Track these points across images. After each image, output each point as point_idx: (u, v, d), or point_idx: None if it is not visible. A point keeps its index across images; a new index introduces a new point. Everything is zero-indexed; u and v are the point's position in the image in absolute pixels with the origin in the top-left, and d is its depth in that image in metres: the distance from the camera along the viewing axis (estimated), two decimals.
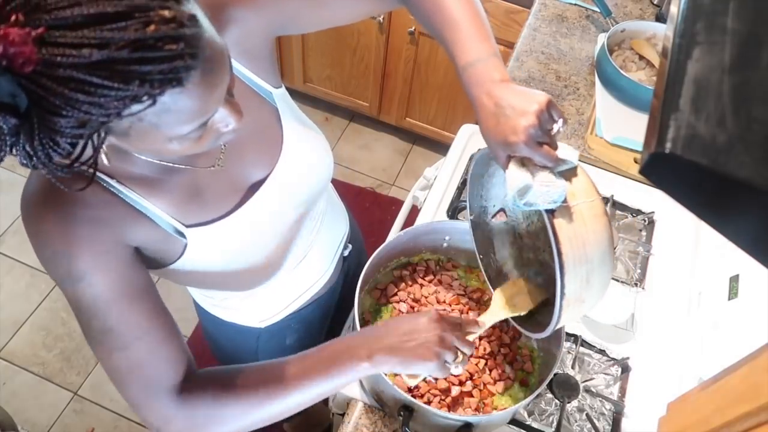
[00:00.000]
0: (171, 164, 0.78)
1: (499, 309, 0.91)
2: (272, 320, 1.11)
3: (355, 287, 1.00)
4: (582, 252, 0.72)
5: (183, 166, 0.79)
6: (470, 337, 0.86)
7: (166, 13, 0.52)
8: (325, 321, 1.26)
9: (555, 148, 0.70)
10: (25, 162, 0.56)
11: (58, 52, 0.49)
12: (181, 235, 0.81)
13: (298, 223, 0.97)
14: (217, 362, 1.30)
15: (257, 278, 0.94)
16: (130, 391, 0.76)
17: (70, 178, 0.60)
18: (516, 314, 0.91)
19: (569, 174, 0.72)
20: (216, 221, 0.84)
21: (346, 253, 1.19)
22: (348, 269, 1.23)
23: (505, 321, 1.11)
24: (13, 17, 0.48)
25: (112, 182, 0.74)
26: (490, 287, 0.96)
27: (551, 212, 0.71)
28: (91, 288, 0.71)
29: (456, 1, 0.78)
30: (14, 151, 0.54)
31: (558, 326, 0.78)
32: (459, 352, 0.82)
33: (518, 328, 0.91)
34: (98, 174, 0.73)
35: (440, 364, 0.80)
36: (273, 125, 0.90)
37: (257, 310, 1.09)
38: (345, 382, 0.80)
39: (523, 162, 0.70)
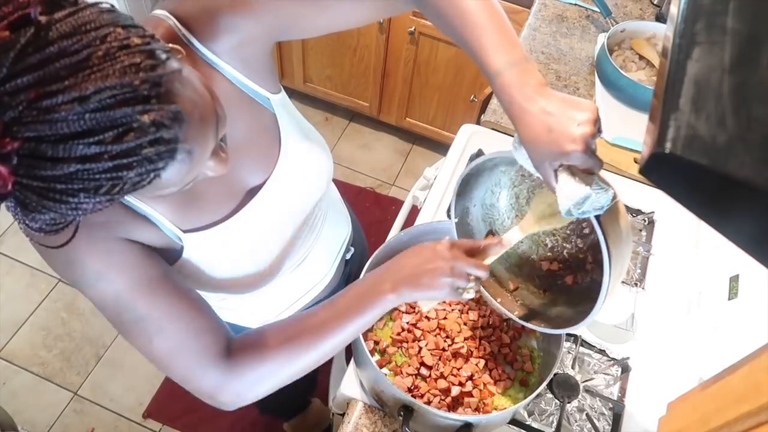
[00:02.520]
0: None
1: (530, 225, 0.86)
2: (273, 321, 1.11)
3: None
4: (620, 251, 0.74)
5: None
6: (488, 260, 0.86)
7: (146, 118, 0.51)
8: None
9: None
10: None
11: (36, 164, 0.49)
12: (178, 239, 0.81)
13: (296, 227, 0.97)
14: None
15: (255, 282, 0.94)
16: (178, 370, 0.77)
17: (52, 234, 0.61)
18: (551, 227, 0.87)
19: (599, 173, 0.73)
20: (212, 226, 0.84)
21: (348, 256, 1.19)
22: (350, 272, 1.23)
23: (506, 321, 1.11)
24: None
25: None
26: (481, 289, 0.96)
27: (598, 217, 0.71)
28: (111, 286, 0.72)
29: (478, 4, 0.76)
30: None
31: (596, 313, 0.78)
32: (473, 277, 0.83)
33: (536, 328, 0.90)
34: None
35: (452, 291, 0.82)
36: (270, 131, 0.89)
37: (257, 312, 1.09)
38: (374, 318, 0.82)
39: (572, 171, 0.69)
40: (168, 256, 0.82)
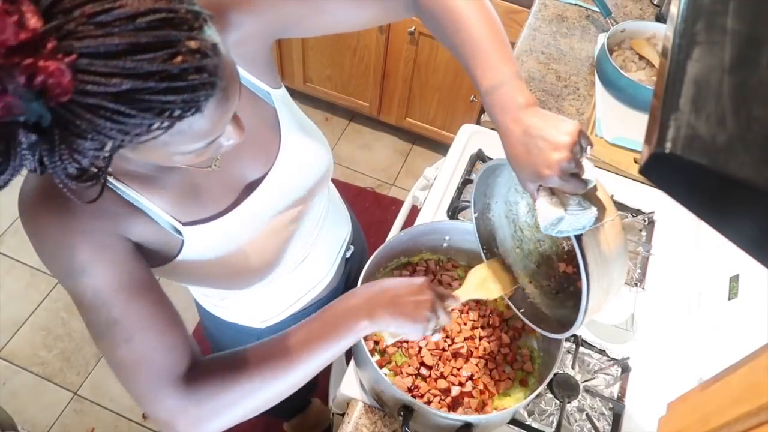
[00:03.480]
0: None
1: (472, 289, 0.94)
2: (273, 321, 1.11)
3: (354, 286, 1.00)
4: (605, 269, 0.74)
5: (179, 165, 0.79)
6: (448, 308, 0.88)
7: (192, 44, 0.53)
8: None
9: (583, 173, 0.69)
10: (33, 169, 0.56)
11: (89, 80, 0.49)
12: (178, 232, 0.81)
13: (296, 223, 0.97)
14: None
15: (254, 278, 0.94)
16: (137, 384, 0.75)
17: (79, 188, 0.61)
18: (486, 297, 0.94)
19: (590, 192, 0.72)
20: (212, 219, 0.84)
21: (348, 255, 1.19)
22: (350, 271, 1.23)
23: (506, 321, 1.11)
24: (50, 44, 0.48)
25: (109, 178, 0.74)
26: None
27: (579, 236, 0.71)
28: (94, 280, 0.71)
29: (476, 17, 0.76)
30: (24, 162, 0.54)
31: (576, 329, 0.80)
32: (439, 320, 0.85)
33: (533, 326, 0.91)
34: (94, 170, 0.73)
35: (425, 328, 0.82)
36: (271, 126, 0.90)
37: (258, 310, 1.09)
38: (348, 344, 0.80)
39: (553, 191, 0.70)
40: (165, 252, 0.82)
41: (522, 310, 0.94)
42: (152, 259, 0.82)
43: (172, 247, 0.82)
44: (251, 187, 0.88)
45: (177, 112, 0.54)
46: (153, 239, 0.79)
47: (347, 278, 1.23)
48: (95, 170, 0.58)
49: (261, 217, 0.90)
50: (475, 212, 0.95)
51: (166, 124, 0.54)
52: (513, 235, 0.98)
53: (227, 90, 0.59)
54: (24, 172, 0.67)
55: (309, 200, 0.97)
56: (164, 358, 0.75)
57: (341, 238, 1.15)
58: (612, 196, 1.38)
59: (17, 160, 0.52)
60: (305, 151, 0.94)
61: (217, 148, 0.69)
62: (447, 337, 1.07)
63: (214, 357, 0.81)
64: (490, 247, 0.98)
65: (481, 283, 0.95)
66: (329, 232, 1.09)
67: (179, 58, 0.52)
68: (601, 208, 0.72)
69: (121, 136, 0.53)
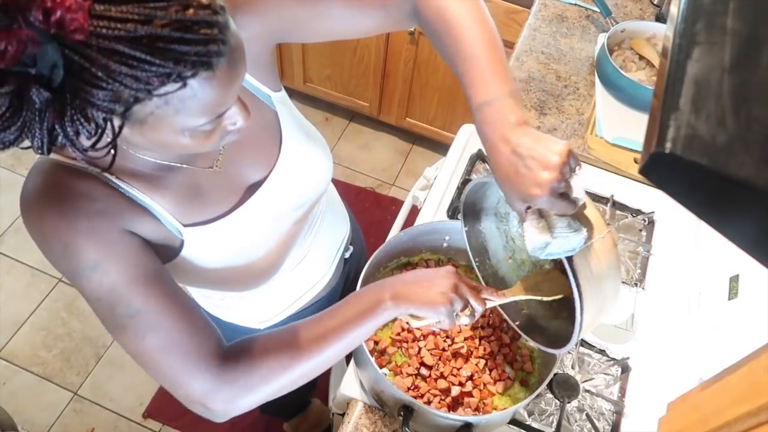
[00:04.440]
0: (169, 163, 0.78)
1: (523, 290, 0.90)
2: (272, 321, 1.11)
3: (354, 287, 1.00)
4: (598, 287, 0.73)
5: (181, 166, 0.80)
6: (487, 304, 0.86)
7: None
8: None
9: (572, 193, 0.68)
10: (41, 146, 0.55)
11: (105, 24, 0.50)
12: (178, 233, 0.81)
13: (296, 225, 0.97)
14: None
15: (254, 279, 0.94)
16: (169, 371, 0.75)
17: (83, 170, 0.60)
18: (540, 298, 0.90)
19: (579, 210, 0.71)
20: (213, 221, 0.84)
21: (347, 255, 1.19)
22: (349, 271, 1.23)
23: (506, 321, 1.11)
24: None
25: (112, 178, 0.74)
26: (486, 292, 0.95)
27: (569, 257, 0.70)
28: (108, 276, 0.71)
29: (475, 33, 0.76)
30: (35, 133, 0.54)
31: (570, 347, 0.80)
32: (469, 307, 0.83)
33: (529, 339, 0.91)
34: (97, 170, 0.73)
35: (450, 311, 0.80)
36: (272, 128, 0.90)
37: (257, 311, 1.09)
38: (373, 327, 0.80)
39: (541, 212, 0.69)
40: (167, 251, 0.82)
41: (517, 323, 0.93)
42: (159, 254, 0.82)
43: (173, 247, 0.82)
44: (252, 189, 0.88)
45: (189, 65, 0.54)
46: (156, 237, 0.79)
47: (347, 278, 1.23)
48: (108, 139, 0.58)
49: (261, 219, 0.90)
50: (465, 226, 0.94)
51: (178, 79, 0.55)
52: (505, 245, 0.98)
53: (236, 59, 0.60)
54: (24, 171, 0.67)
55: (309, 203, 0.98)
56: (192, 340, 0.75)
57: (340, 238, 1.15)
58: (612, 195, 1.38)
59: (28, 117, 0.52)
60: (306, 154, 0.94)
61: (223, 134, 0.69)
62: (447, 337, 1.07)
63: (242, 339, 0.81)
64: (482, 259, 0.98)
65: (535, 285, 0.92)
66: (328, 233, 1.09)
67: (191, 11, 0.53)
68: (590, 227, 0.71)
69: (135, 84, 0.53)
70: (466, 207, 0.93)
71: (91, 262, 0.70)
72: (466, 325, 0.85)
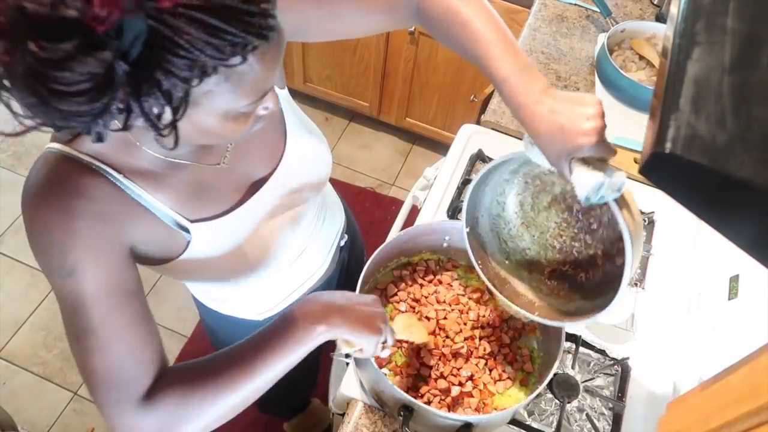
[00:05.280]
0: (176, 160, 0.78)
1: (400, 331, 0.99)
2: (272, 312, 1.12)
3: (351, 276, 1.02)
4: (638, 230, 0.77)
5: (188, 162, 0.80)
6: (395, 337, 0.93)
7: None
8: None
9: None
10: (123, 123, 0.56)
11: None
12: (185, 230, 0.81)
13: (298, 219, 0.98)
14: None
15: (257, 272, 0.95)
16: (101, 393, 0.74)
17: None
18: (413, 340, 1.01)
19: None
20: (219, 217, 0.85)
21: (342, 243, 1.20)
22: (344, 259, 1.25)
23: (506, 321, 1.11)
24: None
25: (119, 176, 0.74)
26: (495, 292, 0.96)
27: (616, 201, 0.74)
28: (80, 284, 0.70)
29: (480, 18, 0.80)
30: (114, 110, 0.54)
31: (621, 297, 0.80)
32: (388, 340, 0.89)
33: (558, 324, 0.92)
34: (104, 167, 0.73)
35: (377, 341, 0.85)
36: (277, 125, 0.91)
37: (257, 302, 1.10)
38: (306, 350, 0.81)
39: (586, 161, 0.72)
40: (168, 251, 0.82)
41: (536, 314, 0.93)
42: (156, 258, 0.82)
43: (177, 245, 0.82)
44: (256, 185, 0.89)
45: (254, 36, 0.56)
46: (157, 238, 0.79)
47: (342, 265, 1.24)
48: (171, 117, 0.58)
49: (264, 214, 0.91)
50: (466, 227, 0.95)
51: (246, 49, 0.56)
52: (500, 248, 0.98)
53: (281, 38, 0.63)
54: (27, 171, 0.67)
55: (311, 198, 0.99)
56: (132, 373, 0.74)
57: (336, 228, 1.17)
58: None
59: (110, 92, 0.53)
60: (308, 151, 0.95)
61: (255, 120, 0.71)
62: (447, 337, 1.07)
63: (176, 368, 0.80)
64: (484, 262, 0.98)
65: (407, 328, 1.01)
66: (326, 224, 1.11)
67: None
68: (623, 171, 0.74)
69: (212, 52, 0.54)
70: (468, 208, 0.93)
71: (70, 267, 0.70)
72: (383, 357, 0.94)
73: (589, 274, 0.94)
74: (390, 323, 0.92)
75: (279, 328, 0.81)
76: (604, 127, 0.70)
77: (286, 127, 0.92)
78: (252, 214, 0.89)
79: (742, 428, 0.52)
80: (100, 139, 0.58)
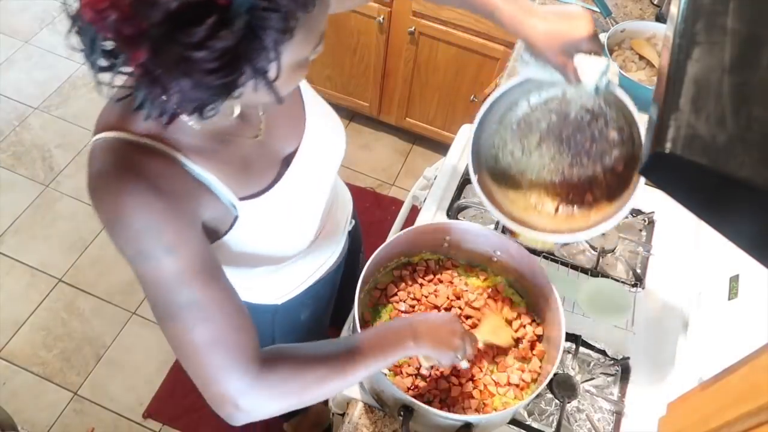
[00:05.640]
0: (221, 134, 0.81)
1: (486, 334, 1.05)
2: (289, 296, 1.14)
3: (356, 262, 1.04)
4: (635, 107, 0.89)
5: (231, 137, 0.83)
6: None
7: None
8: (332, 296, 1.31)
9: None
10: (265, 81, 0.61)
11: None
12: (233, 207, 0.83)
13: (322, 196, 1.02)
14: None
15: (288, 251, 0.98)
16: (209, 365, 0.74)
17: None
18: (498, 343, 1.06)
19: None
20: (262, 194, 0.87)
21: (350, 227, 1.23)
22: (350, 244, 1.27)
23: (509, 322, 1.11)
24: None
25: (177, 155, 0.75)
26: (516, 227, 1.00)
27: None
28: (179, 261, 0.71)
29: None
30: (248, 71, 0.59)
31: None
32: (468, 352, 0.95)
33: (594, 233, 0.94)
34: (162, 146, 0.74)
35: (454, 357, 0.93)
36: (297, 101, 0.95)
37: (278, 286, 1.11)
38: (395, 359, 0.88)
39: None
40: (217, 231, 0.84)
41: (561, 235, 0.98)
42: (212, 233, 0.84)
43: (226, 223, 0.84)
44: (287, 160, 0.91)
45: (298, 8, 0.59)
46: (214, 216, 0.81)
47: (348, 250, 1.26)
48: (274, 75, 0.62)
49: (299, 190, 0.94)
50: (475, 174, 0.99)
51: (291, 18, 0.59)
52: (506, 196, 1.02)
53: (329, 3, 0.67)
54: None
55: (331, 174, 1.03)
56: (238, 338, 0.75)
57: (347, 211, 1.20)
58: None
59: (245, 62, 0.58)
60: (326, 124, 1.00)
61: (305, 68, 0.73)
62: None
63: (279, 347, 0.83)
64: (498, 207, 1.00)
65: (494, 331, 1.07)
66: (339, 206, 1.15)
67: None
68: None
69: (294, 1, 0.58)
70: (473, 161, 0.99)
71: (167, 245, 0.70)
72: (463, 367, 0.99)
73: (594, 192, 0.98)
74: (477, 328, 1.02)
75: (379, 336, 0.88)
76: (592, 21, 0.83)
77: (304, 103, 0.95)
78: (287, 190, 0.90)
79: (742, 428, 0.52)
80: (212, 114, 0.62)
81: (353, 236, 1.29)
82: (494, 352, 1.07)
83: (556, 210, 1.01)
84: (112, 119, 0.74)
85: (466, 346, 0.94)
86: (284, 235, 0.95)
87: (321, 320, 1.33)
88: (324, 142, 0.98)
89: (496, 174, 1.02)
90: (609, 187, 0.97)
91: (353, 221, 1.25)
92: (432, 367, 1.02)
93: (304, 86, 0.97)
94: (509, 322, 1.11)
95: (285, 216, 0.92)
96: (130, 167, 0.71)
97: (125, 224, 0.70)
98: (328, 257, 1.14)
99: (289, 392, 0.79)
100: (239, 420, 0.77)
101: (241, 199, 0.83)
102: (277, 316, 1.16)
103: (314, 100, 0.98)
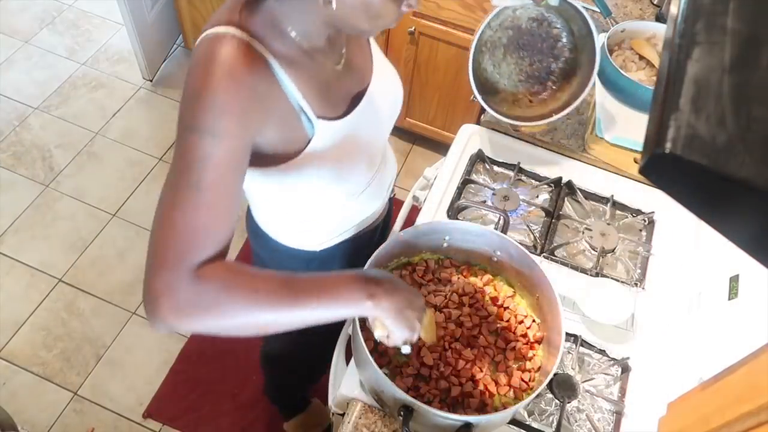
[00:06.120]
0: (311, 51, 0.87)
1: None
2: (329, 244, 1.16)
3: (384, 238, 1.10)
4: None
5: (319, 56, 0.89)
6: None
7: None
8: (364, 258, 1.31)
9: None
10: None
11: None
12: (310, 125, 0.88)
13: (381, 140, 1.08)
14: None
15: (345, 186, 1.02)
16: (166, 246, 0.75)
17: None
18: (421, 337, 0.98)
19: None
20: (337, 119, 0.92)
21: (391, 194, 1.27)
22: (386, 214, 1.30)
23: (506, 322, 1.11)
24: None
25: (271, 59, 0.81)
26: (516, 122, 1.37)
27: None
28: (215, 148, 0.75)
29: None
30: None
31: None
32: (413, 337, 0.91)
33: (573, 104, 1.35)
34: (263, 50, 0.80)
35: (407, 337, 0.89)
36: (367, 50, 1.04)
37: (322, 231, 1.14)
38: (345, 314, 0.84)
39: None
40: (293, 147, 0.88)
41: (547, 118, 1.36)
42: (277, 155, 0.88)
43: (299, 141, 0.89)
44: (359, 96, 0.98)
45: None
46: (287, 128, 0.86)
47: (384, 220, 1.29)
48: None
49: (363, 127, 0.99)
50: (479, 95, 1.31)
51: None
52: (497, 103, 1.37)
53: None
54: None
55: (390, 121, 1.09)
56: (204, 241, 0.77)
57: (392, 174, 1.23)
58: (612, 195, 1.38)
59: None
60: (387, 70, 1.08)
61: (400, 12, 0.81)
62: (444, 337, 1.07)
63: (231, 263, 0.81)
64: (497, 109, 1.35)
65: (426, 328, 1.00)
66: (387, 166, 1.18)
67: None
68: None
69: None
70: (474, 83, 1.31)
71: (216, 129, 0.75)
72: (402, 353, 0.96)
73: (552, 78, 1.39)
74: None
75: (334, 280, 0.83)
76: None
77: (371, 46, 1.04)
78: (359, 121, 0.96)
79: (742, 428, 0.52)
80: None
81: (387, 211, 1.32)
82: (494, 352, 1.07)
83: (530, 101, 1.40)
84: (222, 18, 0.80)
85: (418, 331, 0.90)
86: (347, 169, 0.98)
87: None
88: (387, 90, 1.06)
89: (485, 89, 1.37)
90: (562, 70, 1.38)
91: (394, 190, 1.29)
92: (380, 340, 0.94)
93: (372, 41, 1.05)
94: (511, 324, 1.11)
95: (352, 148, 0.97)
96: (230, 55, 0.77)
97: (201, 96, 0.75)
98: (370, 212, 1.18)
99: (214, 308, 0.76)
100: (158, 327, 0.75)
101: (319, 117, 0.88)
102: (311, 265, 1.18)
103: (379, 53, 1.06)
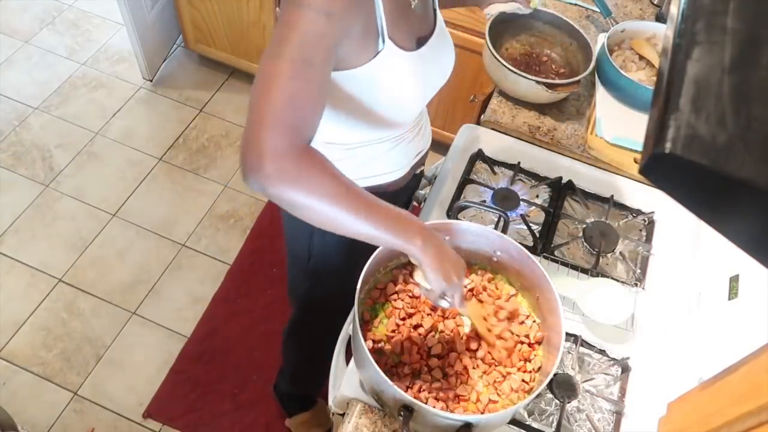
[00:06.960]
0: None
1: (468, 312, 1.04)
2: (366, 184, 1.18)
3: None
4: None
5: None
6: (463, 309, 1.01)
7: None
8: None
9: None
10: None
11: None
12: (381, 42, 0.93)
13: (429, 94, 1.11)
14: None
15: (389, 123, 1.07)
16: (273, 113, 0.77)
17: None
18: (468, 324, 1.05)
19: None
20: (403, 50, 0.97)
21: (417, 171, 1.31)
22: (411, 190, 1.38)
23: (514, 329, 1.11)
24: None
25: None
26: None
27: None
28: (328, 27, 0.78)
29: None
30: None
31: None
32: (454, 298, 0.95)
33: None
34: None
35: (445, 291, 0.92)
36: (430, 6, 1.08)
37: (358, 168, 1.16)
38: (395, 243, 0.86)
39: None
40: (358, 57, 0.92)
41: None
42: (344, 58, 0.91)
43: (368, 52, 0.93)
44: (421, 41, 1.04)
45: None
46: (363, 34, 0.89)
47: (408, 193, 1.38)
48: None
49: (424, 70, 1.04)
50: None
51: None
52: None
53: None
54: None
55: (442, 78, 1.13)
56: (312, 120, 0.81)
57: (426, 141, 1.30)
58: (612, 195, 1.38)
59: None
60: (447, 33, 1.13)
61: None
62: (445, 337, 1.07)
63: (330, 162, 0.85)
64: None
65: (473, 313, 1.05)
66: (423, 132, 1.26)
67: None
68: None
69: None
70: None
71: (331, 9, 0.78)
72: (441, 306, 0.98)
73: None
74: (466, 302, 1.00)
75: (399, 211, 0.87)
76: None
77: (437, 12, 1.09)
78: (414, 64, 1.00)
79: (742, 428, 0.52)
80: None
81: (412, 191, 1.38)
82: (495, 352, 1.07)
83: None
84: None
85: (456, 292, 0.93)
86: (392, 102, 1.02)
87: None
88: (445, 50, 1.12)
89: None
90: (563, 76, 1.51)
91: (422, 170, 1.36)
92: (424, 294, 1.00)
93: (437, 5, 1.11)
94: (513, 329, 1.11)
95: (402, 84, 1.00)
96: None
97: None
98: (394, 168, 1.21)
99: (307, 183, 0.79)
100: (251, 181, 0.77)
101: (391, 38, 0.93)
102: None
103: (441, 19, 1.11)
